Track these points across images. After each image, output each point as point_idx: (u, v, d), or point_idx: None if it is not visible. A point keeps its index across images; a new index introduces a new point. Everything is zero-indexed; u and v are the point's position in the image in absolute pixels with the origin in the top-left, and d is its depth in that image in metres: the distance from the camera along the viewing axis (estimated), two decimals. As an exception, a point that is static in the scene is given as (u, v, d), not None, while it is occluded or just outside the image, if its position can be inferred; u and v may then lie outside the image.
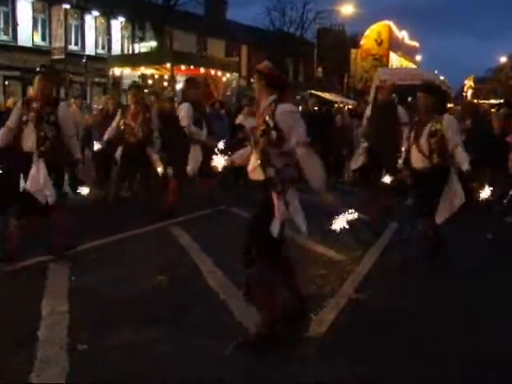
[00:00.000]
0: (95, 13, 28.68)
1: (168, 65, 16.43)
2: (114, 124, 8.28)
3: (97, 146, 8.33)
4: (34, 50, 26.00)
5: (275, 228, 3.76)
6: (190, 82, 8.47)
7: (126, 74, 17.96)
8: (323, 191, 3.83)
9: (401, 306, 4.83)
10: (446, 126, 5.84)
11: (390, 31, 47.76)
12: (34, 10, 26.20)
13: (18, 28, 25.56)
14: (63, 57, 25.80)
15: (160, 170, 8.14)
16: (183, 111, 7.85)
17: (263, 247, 3.83)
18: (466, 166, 5.69)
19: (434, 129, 5.88)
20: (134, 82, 10.87)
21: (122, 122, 8.10)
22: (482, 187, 6.22)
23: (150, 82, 18.55)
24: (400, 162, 6.49)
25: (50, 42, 26.73)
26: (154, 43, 29.20)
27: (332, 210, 3.84)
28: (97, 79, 26.17)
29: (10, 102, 9.73)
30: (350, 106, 23.29)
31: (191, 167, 7.91)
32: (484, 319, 4.53)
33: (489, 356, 3.87)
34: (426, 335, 4.18)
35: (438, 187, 5.93)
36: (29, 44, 25.98)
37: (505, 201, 8.99)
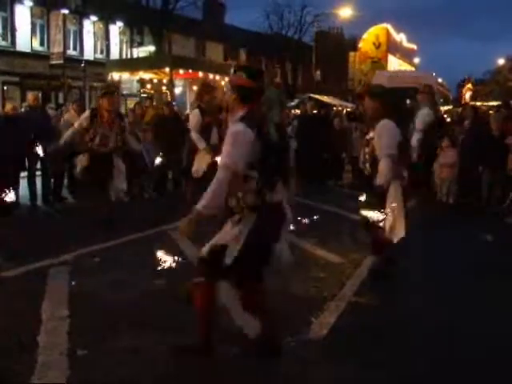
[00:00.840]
0: (93, 18, 28.74)
1: (167, 69, 16.47)
2: (76, 126, 7.58)
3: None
4: (33, 56, 26.06)
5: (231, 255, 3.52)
6: (204, 86, 8.55)
7: (125, 78, 18.02)
8: (196, 213, 3.54)
9: (401, 308, 4.84)
10: (377, 133, 5.26)
11: (388, 34, 47.80)
12: (32, 16, 26.24)
13: (17, 33, 25.58)
14: (62, 62, 25.89)
15: (121, 185, 7.71)
16: (191, 117, 8.21)
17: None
18: (377, 181, 5.12)
19: (369, 137, 5.45)
20: (109, 87, 10.47)
21: (92, 130, 7.42)
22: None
23: (148, 86, 18.60)
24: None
25: (49, 47, 26.81)
26: (152, 48, 29.26)
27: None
28: (95, 84, 26.16)
29: (8, 107, 9.70)
30: (349, 109, 23.30)
31: (196, 169, 8.08)
32: (485, 320, 4.52)
33: (491, 356, 3.88)
34: (427, 337, 4.18)
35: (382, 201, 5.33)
36: (27, 49, 26.02)
37: (504, 204, 9.03)
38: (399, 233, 5.37)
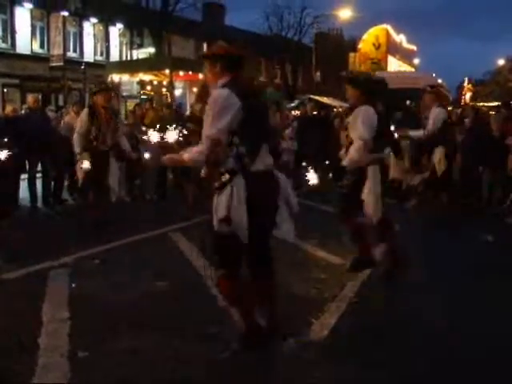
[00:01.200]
0: (93, 20, 28.76)
1: (167, 71, 16.48)
2: (80, 130, 7.39)
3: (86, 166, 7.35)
4: (33, 58, 26.07)
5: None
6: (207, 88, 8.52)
7: (125, 80, 18.05)
8: (180, 158, 3.63)
9: (401, 308, 4.83)
10: (354, 116, 5.25)
11: (388, 35, 47.90)
12: (32, 18, 26.26)
13: (17, 36, 25.60)
14: (62, 64, 25.87)
15: (114, 185, 7.66)
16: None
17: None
18: (344, 162, 5.29)
19: (347, 122, 5.50)
20: (104, 84, 10.27)
21: (93, 128, 7.34)
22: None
23: (148, 88, 18.62)
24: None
25: (49, 50, 26.80)
26: (152, 49, 29.28)
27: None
28: (95, 86, 26.20)
29: (8, 109, 9.72)
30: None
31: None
32: (485, 320, 4.52)
33: (491, 356, 3.87)
34: (427, 337, 4.17)
35: (354, 187, 5.40)
36: (27, 51, 26.04)
37: (505, 205, 9.03)
38: (376, 214, 5.34)
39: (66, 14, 26.21)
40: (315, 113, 13.23)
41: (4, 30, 25.42)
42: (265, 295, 3.78)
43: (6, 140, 7.71)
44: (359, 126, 5.15)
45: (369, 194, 5.29)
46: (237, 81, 3.54)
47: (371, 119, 5.16)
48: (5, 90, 25.13)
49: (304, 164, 10.64)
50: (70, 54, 27.83)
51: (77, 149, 7.43)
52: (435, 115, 8.12)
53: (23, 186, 9.17)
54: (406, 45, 52.36)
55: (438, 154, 8.24)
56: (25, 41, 25.99)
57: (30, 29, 26.17)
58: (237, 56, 3.64)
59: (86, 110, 7.62)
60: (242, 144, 3.42)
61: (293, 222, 3.78)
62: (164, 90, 17.97)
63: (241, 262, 3.68)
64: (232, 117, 3.39)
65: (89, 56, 28.92)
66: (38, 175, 9.52)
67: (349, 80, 5.62)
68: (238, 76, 3.58)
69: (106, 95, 7.49)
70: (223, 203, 3.45)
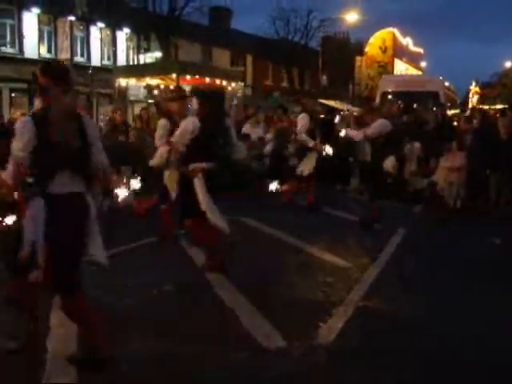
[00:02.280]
0: (100, 24, 28.87)
1: (173, 75, 16.51)
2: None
3: None
4: (41, 62, 25.88)
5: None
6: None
7: (132, 84, 18.06)
8: None
9: (408, 313, 4.82)
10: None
11: (394, 38, 47.81)
12: (39, 23, 26.40)
13: (24, 40, 25.75)
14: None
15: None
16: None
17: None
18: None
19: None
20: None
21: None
22: None
23: (155, 92, 18.66)
24: None
25: (56, 54, 26.93)
26: (159, 54, 29.36)
27: None
28: (102, 90, 26.29)
29: (16, 114, 9.78)
30: (356, 114, 23.24)
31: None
32: (490, 324, 4.50)
33: (497, 360, 3.86)
34: (433, 341, 4.17)
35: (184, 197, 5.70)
36: (35, 56, 26.15)
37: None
38: (220, 222, 5.51)
39: (73, 18, 26.36)
40: (322, 116, 13.21)
41: (12, 35, 25.58)
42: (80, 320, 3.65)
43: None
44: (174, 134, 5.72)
45: (204, 206, 5.40)
46: (44, 109, 3.48)
47: (186, 128, 5.51)
48: (13, 95, 25.27)
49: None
50: (78, 58, 27.97)
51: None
52: (377, 124, 8.09)
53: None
54: (412, 48, 52.23)
55: (390, 163, 8.15)
56: (32, 46, 26.12)
57: (37, 33, 26.30)
58: (41, 84, 3.54)
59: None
60: (31, 174, 3.34)
61: (102, 247, 3.86)
62: (171, 94, 18.01)
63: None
64: (26, 141, 3.34)
65: (96, 60, 29.04)
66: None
67: (194, 93, 5.93)
68: (49, 103, 3.48)
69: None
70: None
